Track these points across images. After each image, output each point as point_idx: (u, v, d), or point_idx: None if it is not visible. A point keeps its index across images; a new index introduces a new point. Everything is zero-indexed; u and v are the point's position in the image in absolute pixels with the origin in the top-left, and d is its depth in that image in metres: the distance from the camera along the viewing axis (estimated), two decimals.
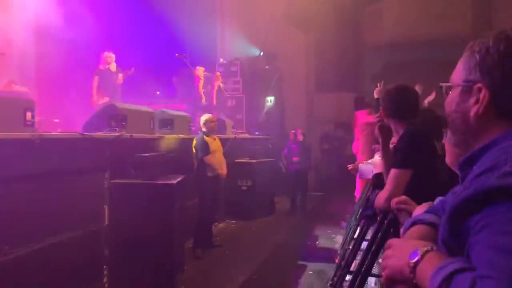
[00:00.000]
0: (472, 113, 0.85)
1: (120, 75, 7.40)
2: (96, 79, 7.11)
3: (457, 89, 0.90)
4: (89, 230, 4.03)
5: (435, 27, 10.28)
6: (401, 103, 2.37)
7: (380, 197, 2.30)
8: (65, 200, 3.71)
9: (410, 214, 1.54)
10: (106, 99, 6.94)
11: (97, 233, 4.10)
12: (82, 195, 3.91)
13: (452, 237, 0.77)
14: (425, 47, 10.26)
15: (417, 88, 3.47)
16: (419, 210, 1.41)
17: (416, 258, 0.79)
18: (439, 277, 0.70)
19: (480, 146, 0.84)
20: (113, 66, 7.31)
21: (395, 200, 1.81)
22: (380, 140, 2.57)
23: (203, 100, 8.57)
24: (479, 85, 0.84)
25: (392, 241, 0.93)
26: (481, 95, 0.83)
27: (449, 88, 0.93)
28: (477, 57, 0.84)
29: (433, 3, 10.62)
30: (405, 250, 0.84)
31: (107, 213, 4.09)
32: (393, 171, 2.26)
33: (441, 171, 2.11)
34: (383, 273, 0.89)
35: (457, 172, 0.97)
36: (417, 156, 2.21)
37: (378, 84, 3.85)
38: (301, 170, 7.96)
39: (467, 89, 0.87)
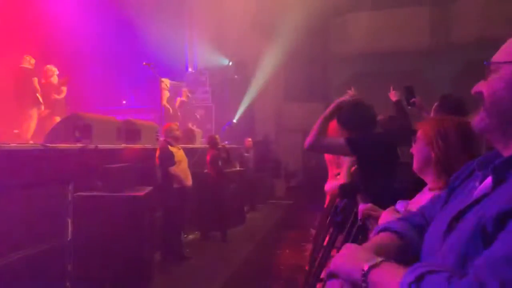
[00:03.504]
0: None
1: (63, 89, 7.21)
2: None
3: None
4: (51, 246, 3.84)
5: (398, 40, 10.72)
6: (356, 118, 2.43)
7: (307, 140, 2.41)
8: (26, 214, 3.53)
9: (377, 219, 1.57)
10: (46, 112, 6.79)
11: (59, 248, 3.92)
12: (44, 209, 3.74)
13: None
14: (389, 58, 10.65)
15: (393, 93, 3.47)
16: (386, 215, 1.44)
17: (372, 263, 0.79)
18: (409, 278, 0.70)
19: None
20: (54, 79, 7.12)
21: (362, 207, 1.85)
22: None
23: (170, 111, 8.48)
24: None
25: (349, 245, 0.94)
26: None
27: (495, 68, 0.83)
28: None
29: (395, 17, 11.09)
30: (359, 256, 0.84)
31: (70, 227, 3.93)
32: (342, 140, 2.34)
33: (401, 177, 2.18)
34: (330, 266, 0.89)
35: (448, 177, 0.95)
36: (368, 153, 2.28)
37: (349, 91, 3.87)
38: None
39: None
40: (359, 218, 1.90)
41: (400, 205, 1.49)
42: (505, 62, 0.81)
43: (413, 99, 2.93)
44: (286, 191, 11.21)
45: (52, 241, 3.86)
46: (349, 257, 0.87)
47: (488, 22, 9.79)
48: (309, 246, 5.88)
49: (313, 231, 6.54)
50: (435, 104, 2.56)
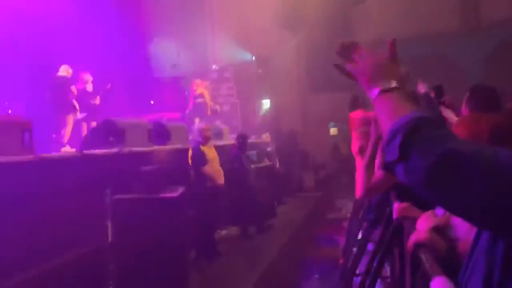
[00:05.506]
0: None
1: (98, 97, 7.36)
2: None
3: None
4: (92, 248, 4.02)
5: (424, 24, 10.39)
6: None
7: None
8: (69, 219, 3.71)
9: (415, 221, 1.57)
10: (82, 115, 6.94)
11: (101, 250, 4.09)
12: (84, 214, 3.91)
13: None
14: (414, 43, 10.34)
15: (421, 86, 3.46)
16: (424, 220, 1.43)
17: (386, 86, 0.83)
18: (417, 114, 0.71)
19: None
20: (89, 87, 7.27)
21: (397, 206, 1.84)
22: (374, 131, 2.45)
23: (208, 112, 8.59)
24: None
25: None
26: None
27: None
28: None
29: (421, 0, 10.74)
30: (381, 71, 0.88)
31: (110, 230, 4.09)
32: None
33: None
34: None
35: None
36: None
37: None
38: None
39: None
40: (394, 217, 1.89)
41: (440, 209, 1.47)
42: None
43: (443, 98, 2.89)
44: (315, 183, 11.17)
45: (93, 243, 4.04)
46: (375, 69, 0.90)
47: None
48: (342, 239, 5.88)
49: (345, 224, 6.53)
50: (466, 96, 2.48)
